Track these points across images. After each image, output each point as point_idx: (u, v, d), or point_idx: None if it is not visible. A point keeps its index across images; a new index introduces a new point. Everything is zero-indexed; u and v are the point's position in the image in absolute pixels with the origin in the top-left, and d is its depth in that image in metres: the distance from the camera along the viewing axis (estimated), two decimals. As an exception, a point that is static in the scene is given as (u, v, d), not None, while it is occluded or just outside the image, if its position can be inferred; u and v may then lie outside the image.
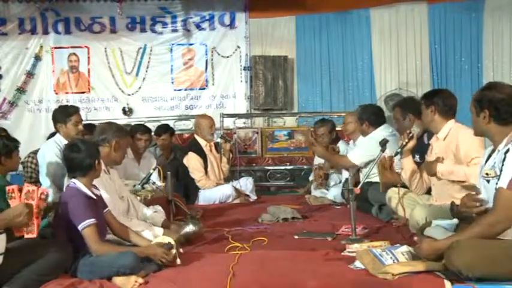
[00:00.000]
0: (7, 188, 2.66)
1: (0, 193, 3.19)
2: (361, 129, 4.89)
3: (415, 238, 2.85)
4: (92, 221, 2.91)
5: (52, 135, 4.71)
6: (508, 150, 2.53)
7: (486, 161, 2.72)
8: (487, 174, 2.64)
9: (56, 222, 3.13)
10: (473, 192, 2.81)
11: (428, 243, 2.67)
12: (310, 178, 6.13)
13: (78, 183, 3.04)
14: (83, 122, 4.64)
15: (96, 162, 3.12)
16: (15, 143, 3.51)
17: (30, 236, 2.57)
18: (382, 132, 4.69)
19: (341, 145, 5.80)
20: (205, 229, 3.98)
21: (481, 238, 2.49)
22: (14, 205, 2.58)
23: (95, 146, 3.22)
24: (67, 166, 3.12)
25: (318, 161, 5.78)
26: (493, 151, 2.72)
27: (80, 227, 2.89)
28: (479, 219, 2.57)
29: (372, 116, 4.86)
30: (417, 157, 4.06)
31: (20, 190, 2.63)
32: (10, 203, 2.62)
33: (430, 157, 3.73)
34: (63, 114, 4.33)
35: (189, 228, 3.71)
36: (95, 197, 3.08)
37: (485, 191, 2.67)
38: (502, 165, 2.52)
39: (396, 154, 3.76)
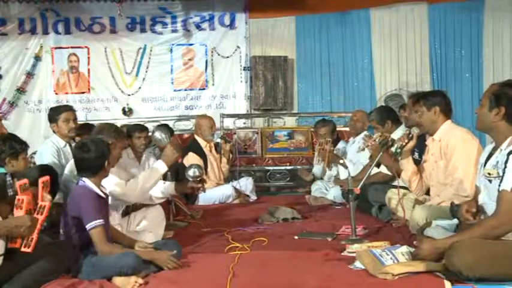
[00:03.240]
0: (17, 197, 2.63)
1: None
2: (383, 130, 4.83)
3: (415, 242, 2.84)
4: (100, 221, 2.89)
5: (53, 134, 4.71)
6: (511, 152, 2.51)
7: (487, 160, 2.70)
8: (489, 174, 2.61)
9: (63, 221, 3.09)
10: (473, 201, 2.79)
11: (428, 242, 2.66)
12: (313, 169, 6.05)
13: (88, 182, 3.02)
14: (82, 122, 4.64)
15: (106, 162, 3.11)
16: (23, 145, 3.49)
17: (26, 250, 2.54)
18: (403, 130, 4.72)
19: (340, 145, 5.81)
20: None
21: (482, 239, 2.48)
22: (16, 215, 2.56)
23: (106, 146, 3.18)
24: (77, 166, 3.09)
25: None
26: (493, 149, 2.69)
27: (88, 227, 2.87)
28: (482, 221, 2.55)
29: (391, 115, 4.89)
30: (416, 154, 4.06)
31: (29, 203, 2.59)
32: (14, 211, 2.60)
33: (426, 157, 3.74)
34: (54, 113, 4.35)
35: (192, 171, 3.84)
36: (104, 196, 3.09)
37: (487, 190, 2.66)
38: (505, 167, 2.50)
39: (395, 154, 3.75)
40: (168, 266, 2.89)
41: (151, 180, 3.60)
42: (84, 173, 3.05)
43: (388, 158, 3.97)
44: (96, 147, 3.06)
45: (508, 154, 2.51)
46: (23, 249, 2.54)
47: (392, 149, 3.75)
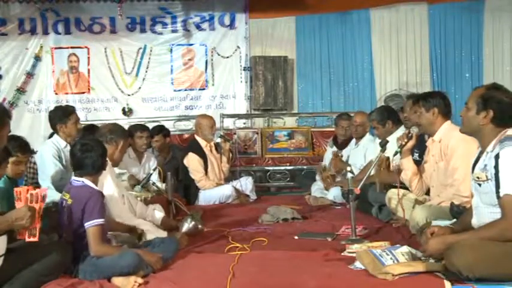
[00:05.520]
0: (15, 189, 2.63)
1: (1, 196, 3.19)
2: (384, 130, 4.84)
3: (425, 230, 2.85)
4: (101, 221, 2.89)
5: (52, 134, 4.70)
6: (498, 155, 2.50)
7: (475, 163, 2.70)
8: (478, 177, 2.61)
9: (66, 221, 3.07)
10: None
11: (438, 237, 2.66)
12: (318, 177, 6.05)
13: (88, 182, 3.02)
14: (83, 123, 4.62)
15: (105, 162, 3.14)
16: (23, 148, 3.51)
17: (32, 239, 2.55)
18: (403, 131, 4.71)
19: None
20: (205, 229, 4.00)
21: (493, 241, 2.47)
22: (18, 207, 2.57)
23: (103, 146, 3.21)
24: (77, 165, 3.05)
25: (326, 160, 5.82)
26: (480, 152, 2.70)
27: (87, 225, 2.86)
28: (492, 223, 2.54)
29: (392, 115, 4.89)
30: (416, 155, 4.06)
31: (27, 192, 2.60)
32: (16, 204, 2.60)
33: (427, 158, 3.74)
34: (62, 114, 4.33)
35: (189, 224, 3.81)
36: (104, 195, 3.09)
37: (478, 193, 2.66)
38: (497, 171, 2.49)
39: (396, 154, 3.76)
40: (157, 266, 2.94)
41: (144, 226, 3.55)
42: (86, 172, 3.04)
43: (386, 175, 3.99)
44: (98, 147, 3.08)
45: (496, 158, 2.51)
46: (28, 239, 2.55)
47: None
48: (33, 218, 2.52)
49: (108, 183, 3.36)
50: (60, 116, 4.33)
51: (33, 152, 3.79)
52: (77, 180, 3.04)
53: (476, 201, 2.69)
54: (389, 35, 7.89)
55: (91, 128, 4.63)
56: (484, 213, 2.61)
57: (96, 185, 3.07)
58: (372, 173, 4.10)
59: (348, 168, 4.80)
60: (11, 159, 3.44)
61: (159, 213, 3.92)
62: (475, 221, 2.70)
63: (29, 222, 2.51)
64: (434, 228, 2.81)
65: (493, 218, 2.55)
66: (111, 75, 7.86)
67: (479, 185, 2.61)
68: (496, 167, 2.50)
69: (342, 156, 5.55)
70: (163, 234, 3.56)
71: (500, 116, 2.61)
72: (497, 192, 2.50)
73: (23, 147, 3.59)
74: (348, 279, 2.66)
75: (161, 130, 6.01)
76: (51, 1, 7.62)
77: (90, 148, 3.03)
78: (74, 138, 4.30)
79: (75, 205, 2.93)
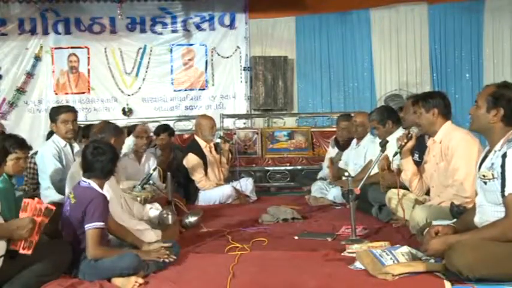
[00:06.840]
0: (24, 200, 2.63)
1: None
2: (384, 130, 4.84)
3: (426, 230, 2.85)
4: (101, 224, 2.88)
5: (51, 133, 4.70)
6: (505, 154, 2.51)
7: (482, 162, 2.70)
8: (484, 176, 2.61)
9: (63, 221, 3.07)
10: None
11: (440, 237, 2.66)
12: (319, 176, 6.03)
13: (93, 184, 3.01)
14: (84, 123, 4.61)
15: (115, 167, 3.12)
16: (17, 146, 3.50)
17: (25, 252, 2.54)
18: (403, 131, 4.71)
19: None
20: (205, 229, 4.02)
21: (495, 241, 2.47)
22: (22, 217, 2.57)
23: (115, 151, 3.19)
24: (86, 167, 3.05)
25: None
26: (488, 151, 2.70)
27: (87, 227, 2.86)
28: (495, 222, 2.54)
29: (392, 115, 4.88)
30: (416, 156, 4.06)
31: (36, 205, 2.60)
32: (20, 214, 2.60)
33: (427, 158, 3.74)
34: (54, 113, 4.33)
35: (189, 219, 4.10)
36: (108, 199, 3.08)
37: (483, 192, 2.66)
38: (503, 170, 2.49)
39: (395, 154, 3.75)
40: (162, 255, 2.96)
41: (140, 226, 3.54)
42: (94, 175, 3.03)
43: (388, 176, 3.98)
44: (110, 150, 3.07)
45: (503, 157, 2.51)
46: (22, 251, 2.54)
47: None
48: (32, 230, 2.53)
49: (104, 187, 3.34)
50: (51, 115, 4.33)
51: (30, 148, 3.79)
52: (83, 181, 3.04)
53: (481, 200, 2.69)
54: (389, 35, 7.90)
55: (87, 129, 4.64)
56: (488, 211, 2.61)
57: (102, 188, 3.05)
58: (372, 173, 4.09)
59: (346, 174, 4.80)
60: (10, 157, 3.45)
61: (154, 211, 3.92)
62: (478, 219, 2.70)
63: (27, 234, 2.51)
64: (438, 227, 2.80)
65: (497, 217, 2.55)
66: (111, 75, 7.87)
67: (485, 183, 2.60)
68: (503, 166, 2.50)
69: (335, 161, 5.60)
70: (158, 233, 3.54)
71: (510, 115, 2.61)
72: (502, 191, 2.50)
73: (20, 143, 3.59)
74: (348, 279, 2.66)
75: (166, 129, 6.05)
76: (51, 1, 7.63)
77: (102, 152, 3.02)
78: (71, 139, 4.31)
79: (78, 205, 2.93)
